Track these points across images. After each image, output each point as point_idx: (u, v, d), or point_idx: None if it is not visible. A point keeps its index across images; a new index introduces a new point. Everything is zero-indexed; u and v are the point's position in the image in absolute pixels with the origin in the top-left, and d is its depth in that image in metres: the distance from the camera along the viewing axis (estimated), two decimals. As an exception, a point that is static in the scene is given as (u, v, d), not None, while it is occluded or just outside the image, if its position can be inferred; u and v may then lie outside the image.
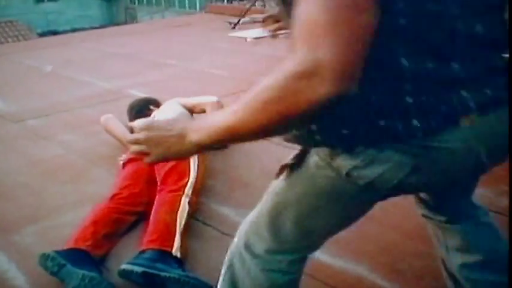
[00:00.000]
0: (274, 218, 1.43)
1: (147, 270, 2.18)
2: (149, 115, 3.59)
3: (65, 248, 2.35)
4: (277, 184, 1.43)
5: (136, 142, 1.31)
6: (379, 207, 2.75)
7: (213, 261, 2.40)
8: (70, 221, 2.69)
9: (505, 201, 2.80)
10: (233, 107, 1.09)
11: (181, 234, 2.46)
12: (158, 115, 3.53)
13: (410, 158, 1.15)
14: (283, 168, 1.39)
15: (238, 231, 1.58)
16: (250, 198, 2.89)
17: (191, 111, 3.60)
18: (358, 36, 0.94)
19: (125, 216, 2.66)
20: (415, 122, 1.11)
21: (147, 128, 1.30)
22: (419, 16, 1.09)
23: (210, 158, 3.36)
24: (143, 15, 28.58)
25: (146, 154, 1.30)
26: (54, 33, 20.17)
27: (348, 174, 1.21)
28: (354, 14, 0.94)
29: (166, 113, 3.48)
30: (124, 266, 2.23)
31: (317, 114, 1.00)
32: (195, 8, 23.47)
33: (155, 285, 2.20)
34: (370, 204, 1.38)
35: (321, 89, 0.94)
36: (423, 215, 1.77)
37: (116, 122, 3.50)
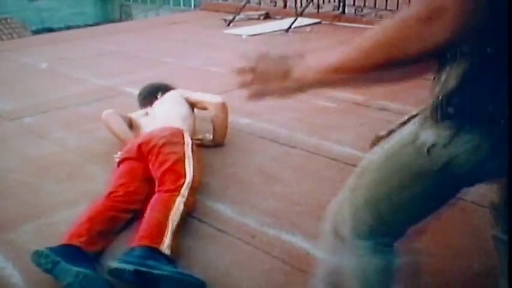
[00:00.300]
0: (370, 197, 1.45)
1: (138, 268, 2.15)
2: (152, 103, 3.58)
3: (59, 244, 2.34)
4: (369, 161, 1.47)
5: (244, 71, 1.35)
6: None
7: (208, 258, 2.42)
8: (66, 218, 2.69)
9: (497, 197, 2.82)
10: (343, 48, 1.14)
11: (172, 233, 2.43)
12: (159, 105, 3.51)
13: (487, 143, 1.20)
14: (377, 139, 1.45)
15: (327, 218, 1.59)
16: (245, 195, 2.94)
17: (193, 105, 3.60)
18: None
19: (121, 214, 2.64)
20: None
21: (260, 57, 1.32)
22: None
23: (205, 155, 3.37)
24: (138, 12, 28.50)
25: (249, 85, 1.34)
26: (49, 30, 20.08)
27: (428, 151, 1.26)
28: None
29: (167, 104, 3.47)
30: (115, 265, 2.20)
31: (429, 56, 1.07)
32: (190, 6, 23.43)
33: (147, 283, 2.17)
34: (449, 191, 1.38)
35: (441, 33, 1.00)
36: (493, 236, 1.69)
37: (116, 118, 3.47)
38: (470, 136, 1.21)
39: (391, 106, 4.37)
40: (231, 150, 3.56)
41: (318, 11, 8.68)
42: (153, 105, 3.60)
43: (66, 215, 2.75)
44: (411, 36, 1.04)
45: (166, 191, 2.67)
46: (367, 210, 1.45)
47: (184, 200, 2.64)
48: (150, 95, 3.75)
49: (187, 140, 3.05)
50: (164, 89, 3.78)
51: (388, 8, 7.94)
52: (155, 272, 2.15)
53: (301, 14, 8.33)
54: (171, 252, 2.35)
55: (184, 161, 2.86)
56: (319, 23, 8.51)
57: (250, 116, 4.16)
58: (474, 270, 2.30)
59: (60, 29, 19.47)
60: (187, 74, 5.60)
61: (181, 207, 2.60)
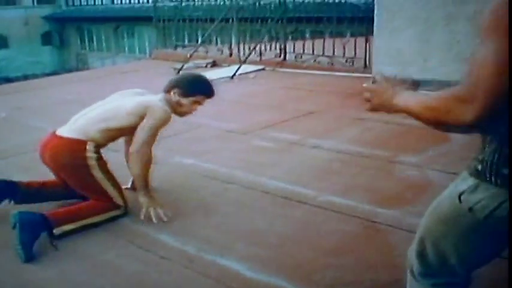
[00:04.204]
0: (420, 241, 1.71)
1: (16, 224, 2.94)
2: None
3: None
4: (429, 209, 1.73)
5: (370, 90, 1.71)
6: (299, 228, 3.14)
7: (152, 281, 2.75)
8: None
9: (411, 220, 3.21)
10: (421, 98, 1.53)
11: (80, 226, 3.19)
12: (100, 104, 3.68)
13: (503, 193, 1.44)
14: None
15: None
16: (186, 226, 3.32)
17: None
18: (505, 89, 1.30)
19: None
20: None
21: (384, 80, 1.71)
22: None
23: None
24: (94, 60, 28.72)
25: (369, 101, 1.71)
26: (6, 79, 20.21)
27: (459, 197, 1.53)
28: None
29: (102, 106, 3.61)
30: (16, 211, 3.05)
31: (457, 129, 1.46)
32: (145, 53, 23.82)
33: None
34: (486, 239, 1.56)
35: (468, 114, 1.33)
36: None
37: None
38: (492, 185, 1.46)
39: (324, 144, 4.82)
40: (175, 187, 3.93)
41: (260, 59, 9.17)
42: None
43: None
44: (449, 109, 1.38)
45: (106, 203, 3.35)
46: (432, 253, 1.67)
47: (118, 213, 3.37)
48: (167, 86, 3.64)
49: (91, 160, 3.33)
50: (186, 90, 3.56)
51: (325, 54, 8.47)
52: (17, 233, 2.92)
53: (244, 62, 8.82)
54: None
55: (103, 187, 3.35)
56: (263, 69, 9.03)
57: (194, 157, 4.55)
58: (382, 282, 2.67)
59: (17, 78, 19.58)
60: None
61: (111, 215, 3.33)
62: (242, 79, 8.39)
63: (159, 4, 12.06)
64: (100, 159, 3.36)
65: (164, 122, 3.40)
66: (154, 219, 3.32)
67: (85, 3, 31.94)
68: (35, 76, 16.01)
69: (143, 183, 3.37)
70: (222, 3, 10.80)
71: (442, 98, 1.43)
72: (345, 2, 9.00)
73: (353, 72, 7.60)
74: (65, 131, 3.40)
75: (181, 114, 3.64)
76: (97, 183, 3.32)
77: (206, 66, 9.61)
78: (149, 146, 3.34)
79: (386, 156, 4.45)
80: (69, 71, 19.78)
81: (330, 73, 8.20)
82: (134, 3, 28.41)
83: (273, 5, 9.97)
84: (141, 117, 3.36)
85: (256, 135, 5.23)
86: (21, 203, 3.40)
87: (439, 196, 1.68)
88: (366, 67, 7.70)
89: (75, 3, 32.53)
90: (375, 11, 6.80)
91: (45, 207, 3.38)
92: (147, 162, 3.34)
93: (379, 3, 6.73)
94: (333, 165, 4.33)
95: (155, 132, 3.37)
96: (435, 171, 4.01)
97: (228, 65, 9.40)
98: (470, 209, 1.50)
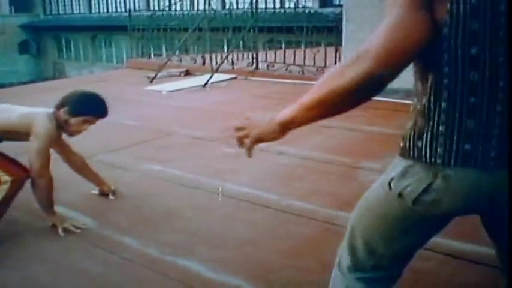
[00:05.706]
0: (351, 232, 1.73)
1: None
2: None
3: None
4: (360, 200, 1.74)
5: (240, 128, 1.73)
6: (260, 232, 3.25)
7: (114, 281, 2.85)
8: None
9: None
10: (309, 92, 1.53)
11: None
12: None
13: (429, 176, 1.46)
14: None
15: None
16: (150, 230, 3.42)
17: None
18: (404, 43, 1.33)
19: None
20: (440, 151, 1.44)
21: (248, 118, 1.74)
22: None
23: (118, 200, 3.83)
24: (71, 70, 28.71)
25: (246, 137, 1.71)
26: (-18, 89, 20.09)
27: (389, 185, 1.54)
28: (407, 31, 1.34)
29: None
30: None
31: (360, 91, 1.39)
32: (122, 62, 23.84)
33: None
34: (417, 223, 1.58)
35: (365, 64, 1.32)
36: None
37: None
38: (419, 169, 1.47)
39: (289, 151, 4.93)
40: (141, 193, 4.03)
41: (233, 67, 9.30)
42: None
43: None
44: (345, 69, 1.37)
45: None
46: (360, 244, 1.69)
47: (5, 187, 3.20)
48: (58, 103, 3.44)
49: None
50: (74, 110, 3.38)
51: (296, 63, 8.61)
52: None
53: (217, 70, 8.94)
54: None
55: None
56: (235, 78, 9.13)
57: (162, 163, 4.65)
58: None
59: (-8, 87, 19.45)
60: (103, 128, 5.98)
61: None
62: (214, 88, 8.50)
63: (135, 13, 12.15)
64: None
65: (48, 140, 3.36)
66: (74, 229, 3.35)
67: (63, 12, 31.97)
68: (11, 85, 15.91)
69: (48, 205, 3.36)
70: (196, 13, 10.91)
71: (334, 67, 1.45)
72: (316, 12, 9.15)
73: (323, 81, 7.68)
74: None
75: (70, 133, 3.50)
76: None
77: (180, 75, 9.73)
78: (46, 168, 3.31)
79: (349, 162, 4.58)
80: (46, 80, 19.72)
81: (300, 82, 8.32)
82: (111, 12, 28.59)
83: (245, 15, 10.12)
84: (25, 128, 3.34)
85: (223, 142, 5.34)
86: None
87: (370, 187, 1.72)
88: (336, 76, 7.82)
89: (53, 12, 32.56)
90: (343, 22, 6.97)
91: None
92: (48, 185, 3.32)
93: (347, 15, 6.91)
94: (296, 171, 4.46)
95: (45, 153, 3.32)
96: (396, 176, 4.12)
97: (201, 74, 9.49)
98: (400, 195, 1.52)
